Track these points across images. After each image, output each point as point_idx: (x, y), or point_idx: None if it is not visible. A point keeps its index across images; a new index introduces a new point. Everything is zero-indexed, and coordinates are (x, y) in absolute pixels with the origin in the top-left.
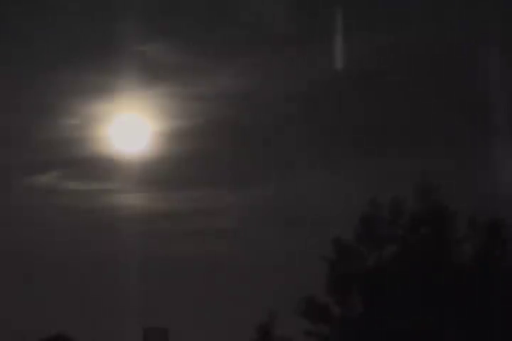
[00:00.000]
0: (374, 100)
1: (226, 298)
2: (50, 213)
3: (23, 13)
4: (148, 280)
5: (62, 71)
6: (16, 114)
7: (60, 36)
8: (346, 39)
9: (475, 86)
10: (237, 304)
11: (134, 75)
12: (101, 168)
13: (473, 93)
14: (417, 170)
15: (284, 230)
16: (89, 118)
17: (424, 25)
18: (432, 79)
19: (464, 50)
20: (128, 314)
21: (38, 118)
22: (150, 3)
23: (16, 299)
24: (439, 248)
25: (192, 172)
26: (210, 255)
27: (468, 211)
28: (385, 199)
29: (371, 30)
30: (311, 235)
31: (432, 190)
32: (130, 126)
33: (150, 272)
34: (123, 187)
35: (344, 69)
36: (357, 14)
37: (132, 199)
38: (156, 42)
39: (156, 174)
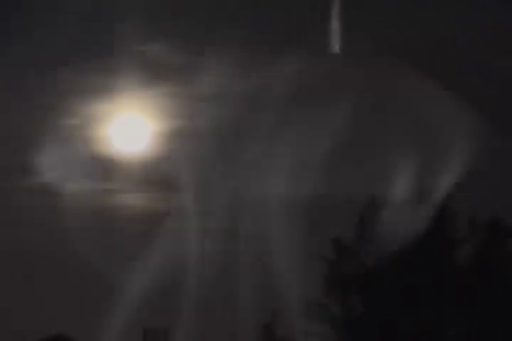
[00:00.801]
0: (374, 99)
1: (226, 297)
2: (50, 213)
3: (23, 12)
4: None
5: (62, 71)
6: (16, 114)
7: (60, 36)
8: (346, 36)
9: (478, 82)
10: (237, 304)
11: (134, 75)
12: (101, 168)
13: (474, 90)
14: (417, 169)
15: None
16: (89, 118)
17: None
18: (433, 75)
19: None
20: (128, 314)
21: (38, 119)
22: (150, 3)
23: (16, 299)
24: (439, 248)
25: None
26: (210, 255)
27: (468, 211)
28: (385, 199)
29: (371, 27)
30: (311, 235)
31: (432, 190)
32: (130, 126)
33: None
34: (123, 187)
35: (344, 68)
36: (356, 11)
37: (132, 199)
38: (156, 42)
39: (156, 174)
